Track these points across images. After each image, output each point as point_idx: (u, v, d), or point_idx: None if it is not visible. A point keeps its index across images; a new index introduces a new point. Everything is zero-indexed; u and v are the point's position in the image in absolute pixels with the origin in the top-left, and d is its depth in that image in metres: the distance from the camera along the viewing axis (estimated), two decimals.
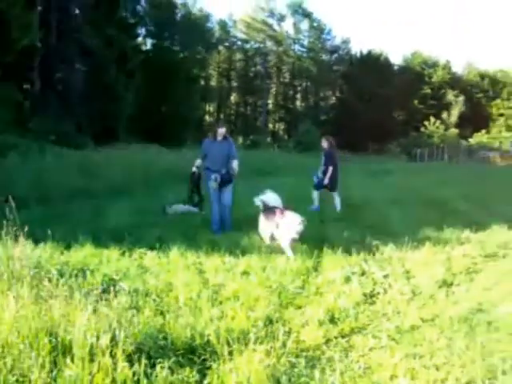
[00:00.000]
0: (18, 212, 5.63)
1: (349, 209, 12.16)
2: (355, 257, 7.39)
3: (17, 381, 3.18)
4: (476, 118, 61.95)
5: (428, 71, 67.83)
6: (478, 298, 6.02)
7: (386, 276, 6.80)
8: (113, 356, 3.46)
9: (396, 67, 68.42)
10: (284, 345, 4.34)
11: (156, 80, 40.11)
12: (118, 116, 31.67)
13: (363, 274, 6.85)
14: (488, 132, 59.31)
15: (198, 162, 10.01)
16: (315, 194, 12.12)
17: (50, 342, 3.64)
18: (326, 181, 11.88)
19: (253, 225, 8.80)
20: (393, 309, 5.75)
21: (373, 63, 61.32)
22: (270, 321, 4.97)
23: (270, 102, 68.25)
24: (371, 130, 55.60)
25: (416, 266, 7.33)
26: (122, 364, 3.38)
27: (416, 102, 65.05)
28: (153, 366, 3.59)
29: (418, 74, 66.60)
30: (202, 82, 60.02)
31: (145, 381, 3.43)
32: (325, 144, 12.48)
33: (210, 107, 67.69)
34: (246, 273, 6.54)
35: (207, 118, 65.65)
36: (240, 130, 62.80)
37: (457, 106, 63.49)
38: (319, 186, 12.02)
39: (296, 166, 27.17)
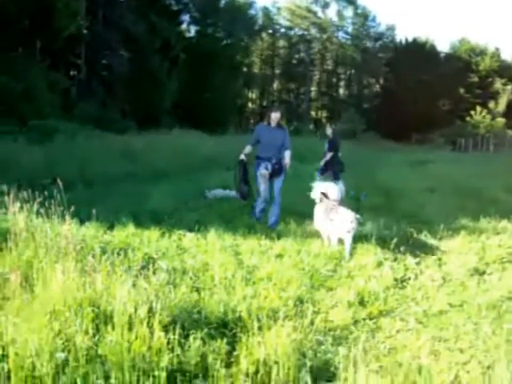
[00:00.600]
0: (65, 193, 5.94)
1: (385, 197, 12.22)
2: (388, 243, 7.50)
3: (63, 344, 3.46)
4: None
5: (475, 59, 66.03)
6: (509, 287, 6.08)
7: (417, 263, 6.92)
8: (150, 326, 3.71)
9: (442, 55, 66.90)
10: (312, 323, 4.52)
11: (199, 67, 40.40)
12: (161, 102, 32.19)
13: (395, 259, 6.97)
14: None
15: (248, 148, 9.03)
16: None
17: (93, 311, 3.93)
18: (322, 163, 12.11)
19: (290, 210, 9.04)
20: (422, 294, 5.88)
21: (418, 51, 60.17)
22: (300, 301, 5.17)
23: (312, 89, 67.91)
24: (415, 120, 54.71)
25: (449, 254, 7.42)
26: (158, 333, 3.63)
27: (462, 90, 63.59)
28: (186, 337, 3.84)
29: (465, 61, 64.85)
30: (245, 69, 60.08)
31: (178, 350, 3.67)
32: (329, 131, 12.70)
33: (253, 94, 67.81)
34: (280, 255, 6.76)
35: (250, 105, 65.88)
36: (282, 117, 62.50)
37: (504, 95, 61.72)
38: (322, 172, 12.08)
39: None
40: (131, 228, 7.55)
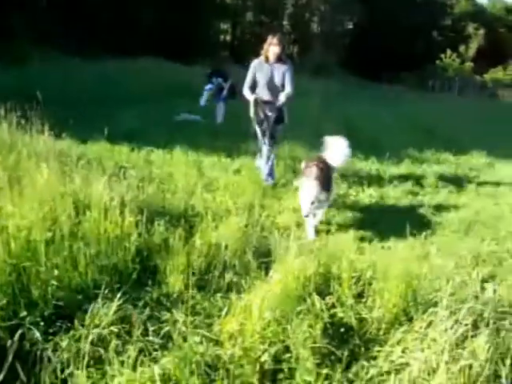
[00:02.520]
0: (41, 113, 6.54)
1: (345, 129, 12.98)
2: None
3: (50, 224, 4.17)
4: (495, 54, 60.92)
5: (451, 1, 65.99)
6: (436, 204, 7.01)
7: (361, 183, 7.81)
8: (121, 213, 4.45)
9: None
10: (259, 222, 5.32)
11: None
12: (134, 28, 31.82)
13: (343, 180, 7.84)
14: (505, 69, 58.60)
15: (247, 93, 7.21)
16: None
17: (74, 202, 4.65)
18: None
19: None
20: (360, 207, 6.78)
21: None
22: (252, 206, 5.96)
23: (285, 23, 67.14)
24: (387, 60, 55.04)
25: (391, 178, 8.32)
26: (129, 218, 4.37)
27: (435, 33, 63.78)
28: (151, 224, 4.61)
29: (440, 4, 64.76)
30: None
31: (146, 235, 4.44)
32: None
33: (225, 26, 66.68)
34: (238, 171, 7.56)
35: (222, 37, 64.95)
36: (255, 51, 62.01)
37: (476, 40, 62.28)
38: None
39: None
40: (104, 143, 8.19)
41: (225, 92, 12.42)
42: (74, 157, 6.12)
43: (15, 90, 11.07)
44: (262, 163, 7.40)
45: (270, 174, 7.34)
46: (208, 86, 13.00)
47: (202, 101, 13.20)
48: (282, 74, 7.06)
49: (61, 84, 14.50)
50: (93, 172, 5.57)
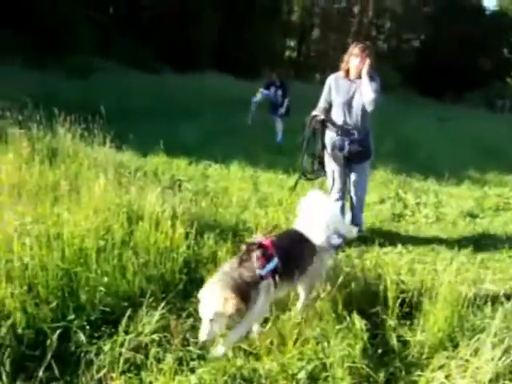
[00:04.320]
0: (103, 125, 6.80)
1: (403, 146, 12.80)
2: (395, 185, 8.23)
3: (103, 233, 4.32)
4: None
5: None
6: (496, 230, 6.80)
7: (417, 203, 7.65)
8: (173, 225, 4.56)
9: (488, 12, 64.93)
10: None
11: (238, 9, 40.22)
12: (198, 43, 32.55)
13: (398, 199, 7.72)
14: None
15: (319, 112, 5.53)
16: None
17: (127, 212, 4.80)
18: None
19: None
20: (414, 228, 6.66)
21: (463, 6, 58.66)
22: None
23: (350, 40, 66.96)
24: (453, 78, 53.97)
25: (449, 199, 8.13)
26: (180, 231, 4.48)
27: (506, 50, 61.98)
28: (201, 236, 4.70)
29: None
30: (284, 17, 59.47)
31: (195, 247, 4.54)
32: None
33: (291, 42, 67.16)
34: (293, 188, 7.57)
35: (287, 53, 65.46)
36: (319, 68, 62.54)
37: None
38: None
39: None
40: (162, 157, 8.42)
41: (284, 107, 12.16)
42: (132, 169, 6.33)
43: (79, 102, 11.55)
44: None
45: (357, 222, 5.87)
46: (264, 91, 12.38)
47: (249, 119, 12.75)
48: None
49: (123, 97, 15.02)
50: (148, 184, 5.73)
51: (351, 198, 5.80)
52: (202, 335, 3.05)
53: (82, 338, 3.16)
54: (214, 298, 3.11)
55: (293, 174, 8.32)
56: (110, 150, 6.86)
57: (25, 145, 6.56)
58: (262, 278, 3.32)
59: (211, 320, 3.07)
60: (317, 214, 3.96)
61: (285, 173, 8.55)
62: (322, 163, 5.80)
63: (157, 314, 3.33)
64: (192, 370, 2.91)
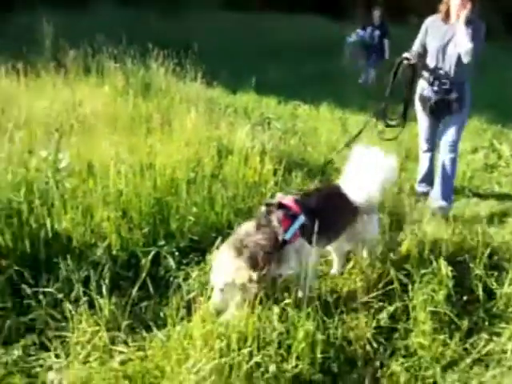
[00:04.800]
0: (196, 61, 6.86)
1: (500, 96, 12.06)
2: (490, 135, 7.85)
3: (193, 165, 4.42)
4: None
5: None
6: None
7: None
8: (261, 161, 4.58)
9: None
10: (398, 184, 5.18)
11: None
12: None
13: (493, 150, 7.35)
14: None
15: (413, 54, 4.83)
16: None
17: (217, 145, 4.87)
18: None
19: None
20: (507, 180, 6.35)
21: None
22: None
23: None
24: None
25: None
26: (268, 166, 4.51)
27: None
28: (289, 173, 4.71)
29: None
30: None
31: (283, 184, 4.56)
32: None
33: None
34: (382, 131, 7.38)
35: None
36: (415, 10, 59.35)
37: None
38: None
39: None
40: (252, 94, 8.41)
41: (386, 50, 11.55)
42: (223, 105, 6.39)
43: (172, 38, 11.63)
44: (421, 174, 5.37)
45: (445, 194, 5.01)
46: (360, 32, 11.81)
47: (344, 59, 12.40)
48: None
49: (216, 35, 14.98)
50: (238, 120, 5.78)
51: (441, 160, 4.99)
52: (213, 303, 2.83)
53: (172, 263, 3.30)
54: (225, 267, 2.88)
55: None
56: (201, 86, 6.94)
57: (120, 78, 6.76)
58: (285, 242, 2.99)
59: (221, 289, 2.86)
60: (362, 169, 3.47)
61: (375, 116, 8.35)
62: (405, 110, 5.04)
63: None
64: (275, 302, 2.95)
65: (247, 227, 3.05)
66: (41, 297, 2.88)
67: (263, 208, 3.16)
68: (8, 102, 5.92)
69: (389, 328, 3.07)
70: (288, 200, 3.19)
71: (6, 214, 3.38)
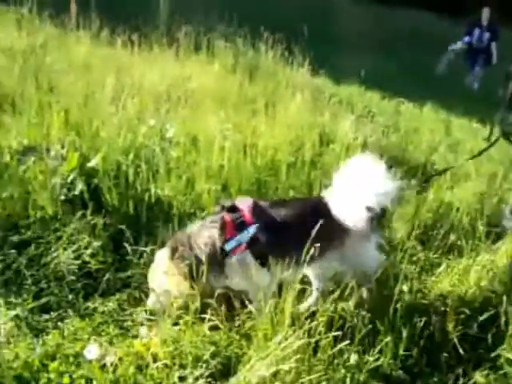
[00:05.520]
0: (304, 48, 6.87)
1: None
2: None
3: (295, 149, 4.46)
4: None
5: None
6: None
7: None
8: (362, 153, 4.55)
9: None
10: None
11: None
12: None
13: None
14: None
15: None
16: None
17: (320, 134, 4.88)
18: None
19: None
20: None
21: None
22: (494, 175, 5.55)
23: None
24: None
25: None
26: None
27: None
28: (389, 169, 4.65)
29: None
30: None
31: None
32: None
33: None
34: (488, 139, 7.12)
35: None
36: None
37: None
38: None
39: None
40: (356, 86, 8.33)
41: (494, 55, 11.18)
42: (327, 94, 6.38)
43: (283, 22, 11.68)
44: None
45: None
46: (465, 39, 11.54)
47: (441, 67, 11.93)
48: None
49: (325, 22, 14.86)
50: (342, 111, 5.76)
51: None
52: (149, 302, 2.73)
53: None
54: (158, 267, 2.69)
55: (488, 125, 7.86)
56: (307, 73, 6.94)
57: (230, 58, 6.90)
58: (225, 252, 2.60)
59: (155, 292, 2.69)
60: (355, 184, 2.80)
61: (480, 122, 8.05)
62: None
63: None
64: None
65: (193, 226, 2.75)
66: (139, 256, 3.02)
67: (216, 208, 2.83)
68: (121, 70, 6.18)
69: (476, 337, 2.98)
70: (245, 204, 2.74)
71: (114, 175, 3.55)
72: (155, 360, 2.38)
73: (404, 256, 3.34)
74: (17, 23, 7.43)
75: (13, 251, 3.14)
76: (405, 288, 3.23)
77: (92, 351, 2.38)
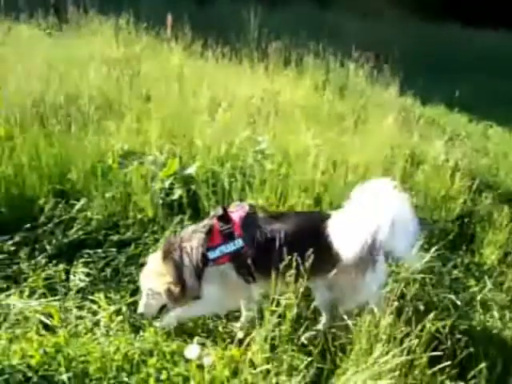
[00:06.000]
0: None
1: None
2: None
3: (384, 170, 4.46)
4: None
5: None
6: None
7: None
8: (451, 176, 4.49)
9: None
10: None
11: None
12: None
13: None
14: None
15: None
16: None
17: (410, 154, 4.86)
18: None
19: None
20: None
21: None
22: None
23: None
24: None
25: None
26: (459, 183, 4.43)
27: None
28: (479, 194, 4.58)
29: None
30: None
31: (470, 203, 4.45)
32: None
33: None
34: None
35: None
36: None
37: None
38: None
39: None
40: (443, 108, 8.20)
41: None
42: (415, 114, 6.33)
43: (370, 41, 11.67)
44: None
45: None
46: None
47: None
48: None
49: (412, 44, 14.70)
50: (431, 132, 5.71)
51: None
52: (140, 306, 2.75)
53: None
54: (150, 272, 2.71)
55: None
56: (396, 92, 6.92)
57: (320, 74, 6.97)
58: (207, 259, 2.61)
59: (147, 294, 2.71)
60: (366, 210, 2.56)
61: None
62: None
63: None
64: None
65: (187, 230, 2.78)
66: None
67: (215, 210, 2.81)
68: (213, 82, 6.35)
69: None
70: (238, 213, 2.69)
71: (212, 183, 3.68)
72: (251, 366, 2.44)
73: (495, 283, 3.31)
74: (115, 33, 7.81)
75: (113, 250, 3.31)
76: (496, 314, 3.19)
77: (193, 351, 2.46)
